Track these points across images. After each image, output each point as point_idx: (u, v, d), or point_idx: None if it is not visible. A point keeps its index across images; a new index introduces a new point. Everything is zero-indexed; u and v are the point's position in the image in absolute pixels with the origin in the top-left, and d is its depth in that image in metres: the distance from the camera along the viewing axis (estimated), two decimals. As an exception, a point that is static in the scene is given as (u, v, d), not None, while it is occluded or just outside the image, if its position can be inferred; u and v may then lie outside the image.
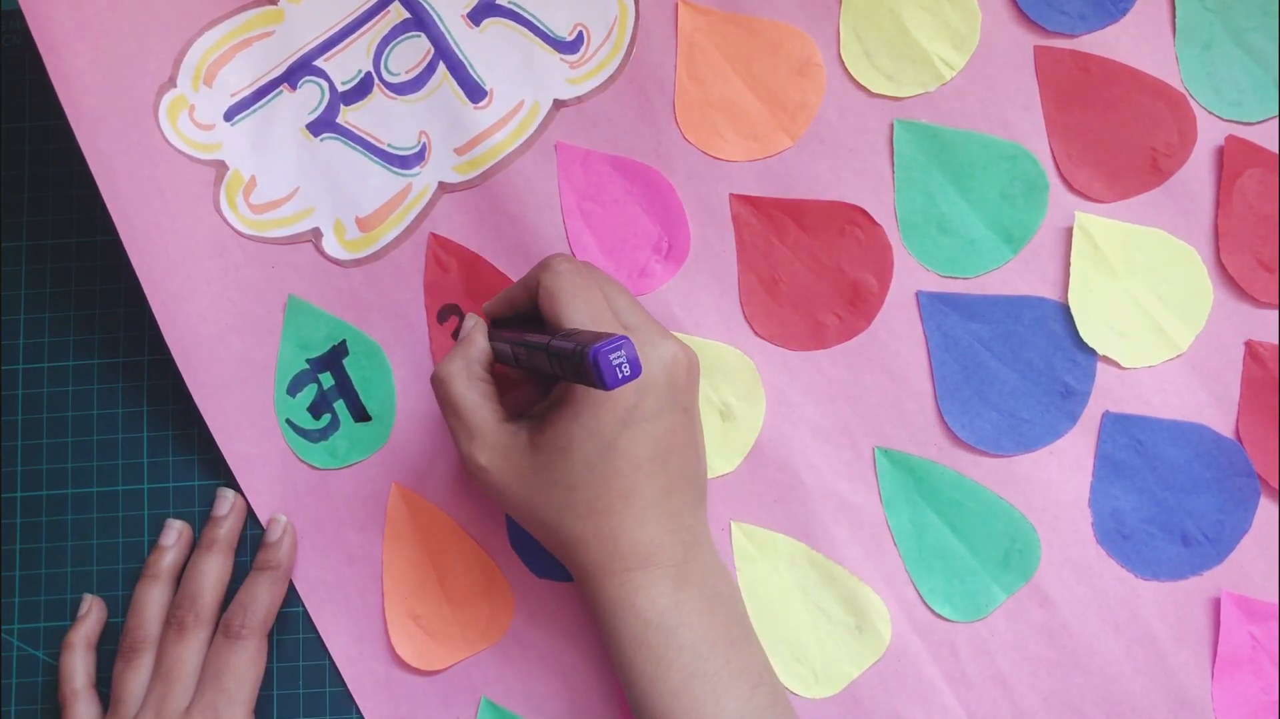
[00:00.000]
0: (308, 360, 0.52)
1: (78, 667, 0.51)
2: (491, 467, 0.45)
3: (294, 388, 0.52)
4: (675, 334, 0.51)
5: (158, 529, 0.52)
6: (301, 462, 0.52)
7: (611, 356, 0.37)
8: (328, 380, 0.52)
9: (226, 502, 0.52)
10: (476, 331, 0.47)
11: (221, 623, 0.50)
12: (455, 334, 0.52)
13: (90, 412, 0.54)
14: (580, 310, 0.44)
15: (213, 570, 0.50)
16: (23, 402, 0.54)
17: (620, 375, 0.37)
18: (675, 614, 0.44)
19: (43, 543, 0.54)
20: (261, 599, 0.50)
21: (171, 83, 0.53)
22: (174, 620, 0.49)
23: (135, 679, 0.49)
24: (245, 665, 0.49)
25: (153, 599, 0.51)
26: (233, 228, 0.53)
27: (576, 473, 0.44)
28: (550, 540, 0.46)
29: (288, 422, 0.52)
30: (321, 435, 0.52)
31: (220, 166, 0.53)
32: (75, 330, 0.55)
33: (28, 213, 0.55)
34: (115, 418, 0.54)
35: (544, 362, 0.42)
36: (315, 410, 0.52)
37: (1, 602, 0.53)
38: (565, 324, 0.44)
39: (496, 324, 0.49)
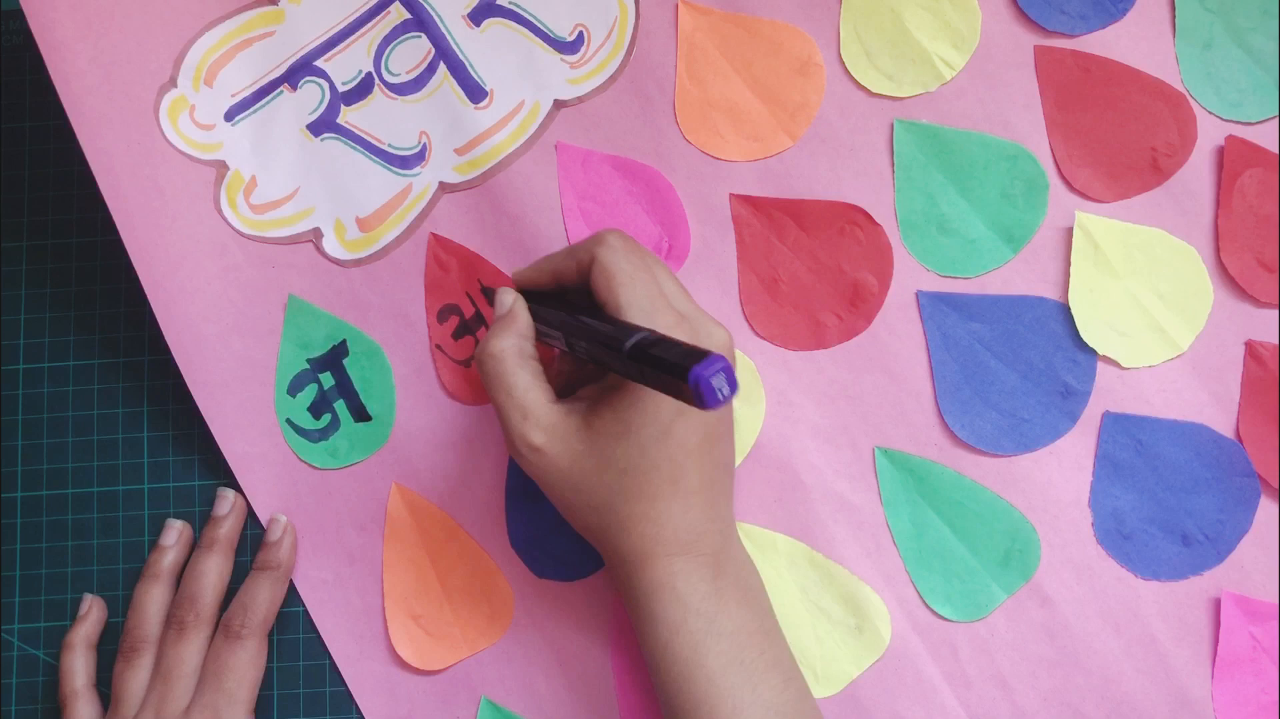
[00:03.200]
0: (308, 360, 0.52)
1: (78, 666, 0.51)
2: (547, 448, 0.44)
3: (294, 388, 0.52)
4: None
5: (158, 529, 0.52)
6: (302, 461, 0.52)
7: (714, 380, 0.36)
8: (328, 380, 0.52)
9: (226, 502, 0.52)
10: (520, 307, 0.46)
11: (221, 623, 0.50)
12: (455, 333, 0.52)
13: (90, 412, 0.54)
14: (638, 295, 0.43)
15: (213, 571, 0.50)
16: (23, 401, 0.54)
17: (720, 397, 0.36)
18: (715, 602, 0.44)
19: (43, 543, 0.54)
20: (262, 599, 0.50)
21: (172, 83, 0.53)
22: (174, 620, 0.49)
23: (135, 679, 0.49)
24: (245, 665, 0.49)
25: (153, 599, 0.51)
26: (233, 228, 0.53)
27: (631, 457, 0.43)
28: (593, 523, 0.45)
29: (288, 421, 0.52)
30: (322, 435, 0.52)
31: (221, 167, 0.53)
32: (75, 330, 0.55)
33: (28, 213, 0.55)
34: (115, 418, 0.54)
35: (610, 358, 0.41)
36: (315, 410, 0.52)
37: (1, 602, 0.53)
38: (621, 308, 0.43)
39: (530, 296, 0.48)
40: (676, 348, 0.38)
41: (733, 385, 0.36)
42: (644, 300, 0.43)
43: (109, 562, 0.53)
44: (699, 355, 0.36)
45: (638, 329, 0.41)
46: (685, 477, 0.44)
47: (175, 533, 0.52)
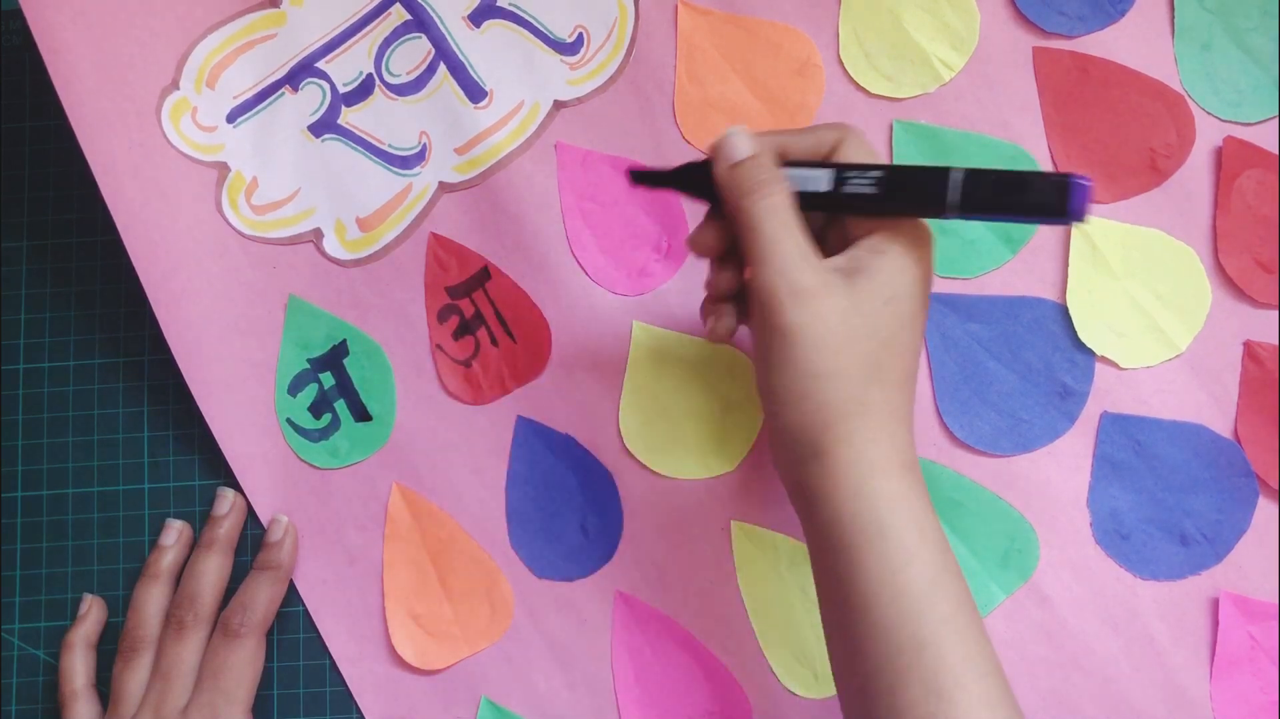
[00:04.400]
0: (308, 360, 0.53)
1: (78, 666, 0.51)
2: (821, 294, 0.39)
3: (295, 387, 0.52)
4: (674, 333, 0.51)
5: (158, 529, 0.52)
6: (302, 461, 0.52)
7: (1086, 187, 0.37)
8: (328, 380, 0.52)
9: (226, 501, 0.52)
10: (768, 156, 0.41)
11: (220, 621, 0.50)
12: (455, 333, 0.52)
13: (91, 411, 0.54)
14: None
15: (212, 570, 0.50)
16: (23, 401, 0.55)
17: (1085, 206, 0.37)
18: (942, 535, 0.39)
19: (43, 543, 0.54)
20: (261, 598, 0.50)
21: (174, 85, 0.53)
22: (173, 620, 0.50)
23: (134, 678, 0.49)
24: (243, 664, 0.49)
25: (152, 599, 0.51)
26: (234, 229, 0.53)
27: (892, 327, 0.39)
28: (832, 400, 0.39)
29: (288, 421, 0.52)
30: (322, 435, 0.52)
31: (222, 168, 0.53)
32: (76, 330, 0.55)
33: (28, 213, 0.55)
34: (116, 418, 0.54)
35: (913, 196, 0.40)
36: (316, 410, 0.52)
37: (1, 602, 0.53)
38: None
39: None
40: (1003, 172, 0.38)
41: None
42: None
43: (109, 562, 0.53)
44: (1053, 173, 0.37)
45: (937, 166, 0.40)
46: (914, 369, 0.41)
47: (175, 533, 0.52)
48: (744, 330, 0.51)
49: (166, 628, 0.50)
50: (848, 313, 0.39)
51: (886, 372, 0.39)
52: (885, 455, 0.39)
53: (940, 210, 0.39)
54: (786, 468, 0.41)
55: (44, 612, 0.53)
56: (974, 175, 0.38)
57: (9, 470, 0.54)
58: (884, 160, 0.42)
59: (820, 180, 0.41)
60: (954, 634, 0.37)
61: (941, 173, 0.39)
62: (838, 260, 0.41)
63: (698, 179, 0.43)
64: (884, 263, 0.40)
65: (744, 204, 0.41)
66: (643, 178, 0.46)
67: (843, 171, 0.41)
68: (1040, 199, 0.37)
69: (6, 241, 0.56)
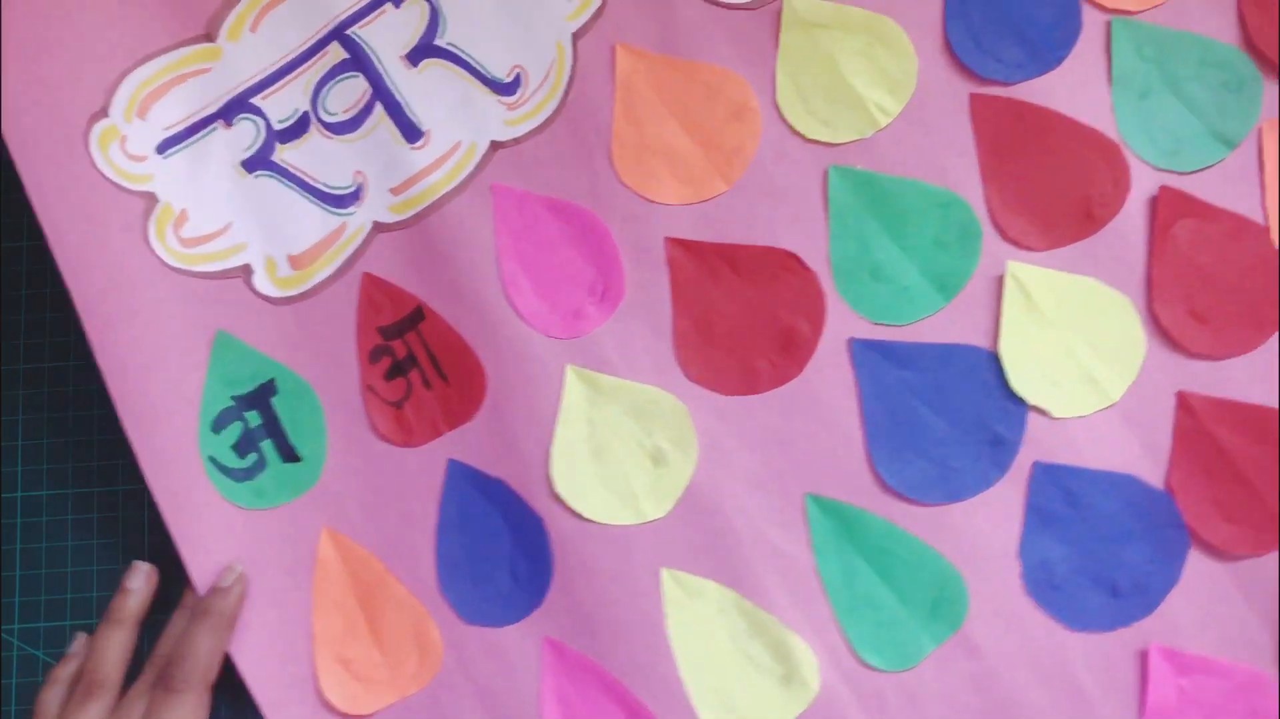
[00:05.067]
0: (233, 398, 0.52)
1: (52, 702, 0.49)
2: None
3: (218, 425, 0.52)
4: (608, 378, 0.51)
5: (158, 529, 0.51)
6: (226, 500, 0.51)
7: None
8: (254, 419, 0.52)
9: (140, 575, 0.51)
10: None
11: (161, 676, 0.48)
12: (387, 374, 0.52)
13: (91, 411, 0.54)
14: None
15: (116, 646, 0.49)
16: (23, 401, 0.54)
17: None
18: None
19: (43, 543, 0.53)
20: (202, 649, 0.48)
21: (103, 112, 0.52)
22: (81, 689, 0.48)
23: None
24: None
25: (114, 644, 0.49)
26: (161, 260, 0.52)
27: None
28: None
29: (211, 459, 0.51)
30: (247, 475, 0.51)
31: (150, 199, 0.52)
32: (76, 330, 0.53)
33: (28, 213, 0.54)
34: (116, 417, 0.53)
35: None
36: (240, 449, 0.52)
37: (1, 601, 0.53)
38: None
39: None
40: None
41: None
42: None
43: (109, 562, 0.53)
44: None
45: None
46: None
47: (142, 576, 0.51)
48: (678, 374, 0.51)
49: (71, 697, 0.48)
50: None
51: None
52: None
53: None
54: None
55: (44, 612, 0.53)
56: None
57: (9, 470, 0.54)
58: None
59: None
60: None
61: None
62: None
63: None
64: None
65: None
66: None
67: None
68: None
69: (6, 242, 0.56)
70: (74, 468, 0.53)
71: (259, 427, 0.52)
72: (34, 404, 0.54)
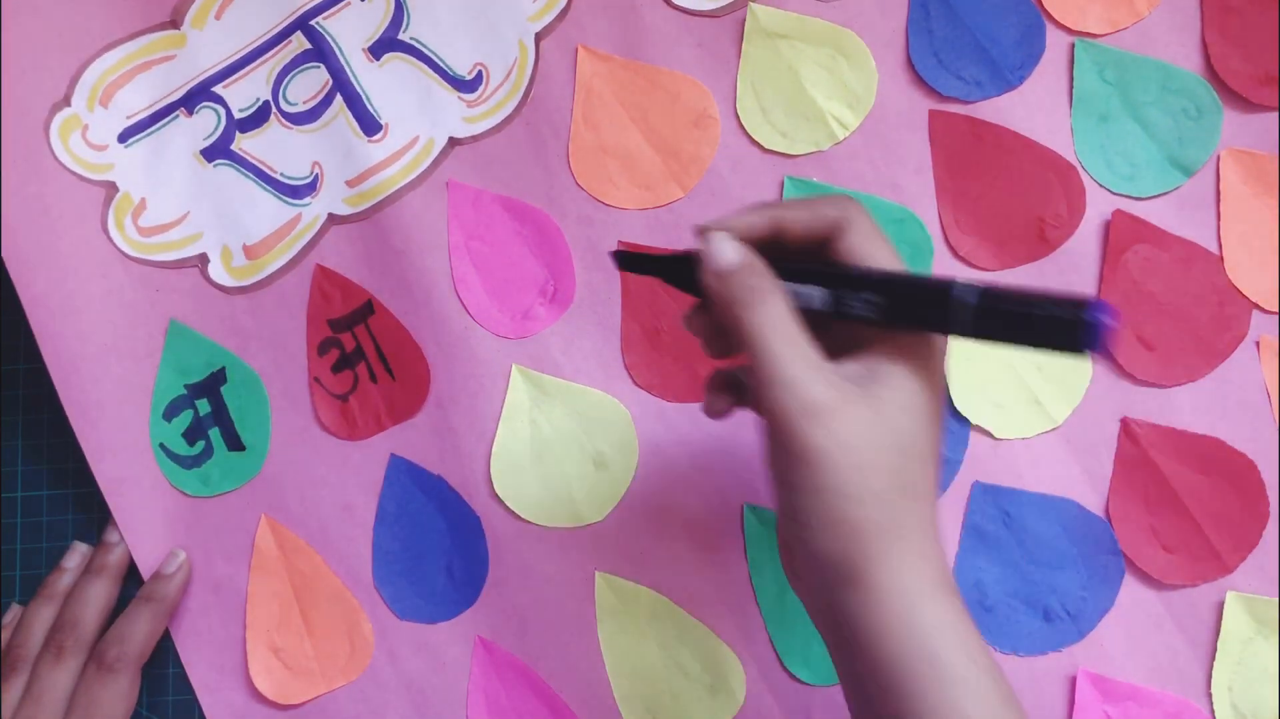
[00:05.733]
0: (185, 386, 0.52)
1: None
2: (839, 409, 0.34)
3: (170, 413, 0.52)
4: (553, 379, 0.51)
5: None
6: (173, 487, 0.52)
7: (1104, 318, 0.31)
8: (204, 407, 0.52)
9: (117, 530, 0.52)
10: (758, 263, 0.37)
11: (95, 653, 0.49)
12: (335, 367, 0.52)
13: None
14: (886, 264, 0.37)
15: (99, 597, 0.50)
16: (23, 401, 0.55)
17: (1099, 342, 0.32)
18: (988, 655, 0.35)
19: (43, 543, 0.54)
20: (140, 631, 0.49)
21: (66, 102, 0.53)
22: (52, 644, 0.49)
23: (8, 697, 0.48)
24: (115, 700, 0.48)
25: (41, 620, 0.50)
26: (119, 249, 0.53)
27: (913, 437, 0.36)
28: (861, 521, 0.35)
29: (161, 446, 0.52)
30: (195, 462, 0.52)
31: (110, 188, 0.53)
32: None
33: None
34: None
35: (917, 312, 0.35)
36: (190, 437, 0.52)
37: (1, 602, 0.53)
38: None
39: None
40: (1023, 295, 0.34)
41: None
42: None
43: None
44: (1074, 299, 0.33)
45: (947, 280, 0.35)
46: (938, 482, 0.38)
47: (79, 556, 0.52)
48: (625, 378, 0.51)
49: (45, 651, 0.49)
50: (870, 425, 0.35)
51: (914, 485, 0.36)
52: (926, 578, 0.35)
53: (945, 332, 0.36)
54: (814, 592, 0.37)
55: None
56: (986, 311, 0.34)
57: (9, 470, 0.54)
58: (891, 245, 0.38)
59: (814, 298, 0.37)
60: None
61: (945, 297, 0.35)
62: (849, 368, 0.36)
63: (686, 275, 0.39)
64: (898, 367, 0.36)
65: (738, 315, 0.36)
66: (628, 262, 0.41)
67: (840, 293, 0.36)
68: (1053, 336, 0.33)
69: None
70: (74, 468, 0.53)
71: (208, 415, 0.52)
72: (34, 404, 0.54)
